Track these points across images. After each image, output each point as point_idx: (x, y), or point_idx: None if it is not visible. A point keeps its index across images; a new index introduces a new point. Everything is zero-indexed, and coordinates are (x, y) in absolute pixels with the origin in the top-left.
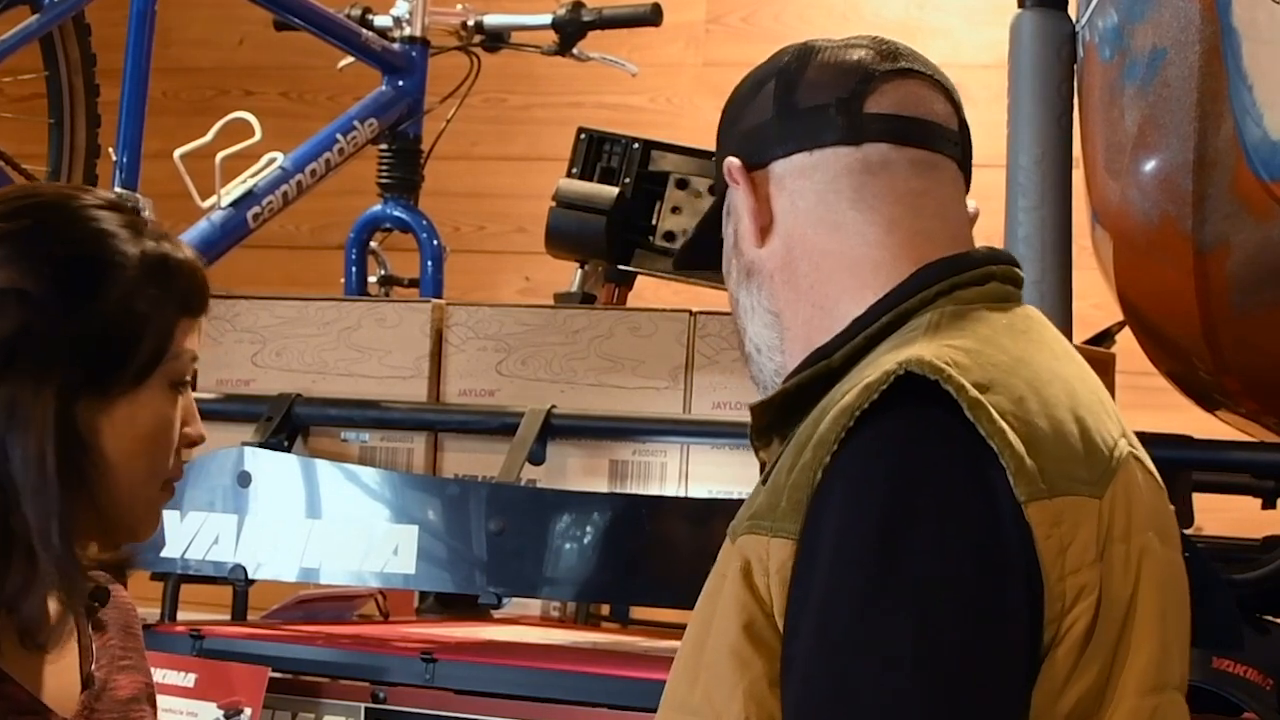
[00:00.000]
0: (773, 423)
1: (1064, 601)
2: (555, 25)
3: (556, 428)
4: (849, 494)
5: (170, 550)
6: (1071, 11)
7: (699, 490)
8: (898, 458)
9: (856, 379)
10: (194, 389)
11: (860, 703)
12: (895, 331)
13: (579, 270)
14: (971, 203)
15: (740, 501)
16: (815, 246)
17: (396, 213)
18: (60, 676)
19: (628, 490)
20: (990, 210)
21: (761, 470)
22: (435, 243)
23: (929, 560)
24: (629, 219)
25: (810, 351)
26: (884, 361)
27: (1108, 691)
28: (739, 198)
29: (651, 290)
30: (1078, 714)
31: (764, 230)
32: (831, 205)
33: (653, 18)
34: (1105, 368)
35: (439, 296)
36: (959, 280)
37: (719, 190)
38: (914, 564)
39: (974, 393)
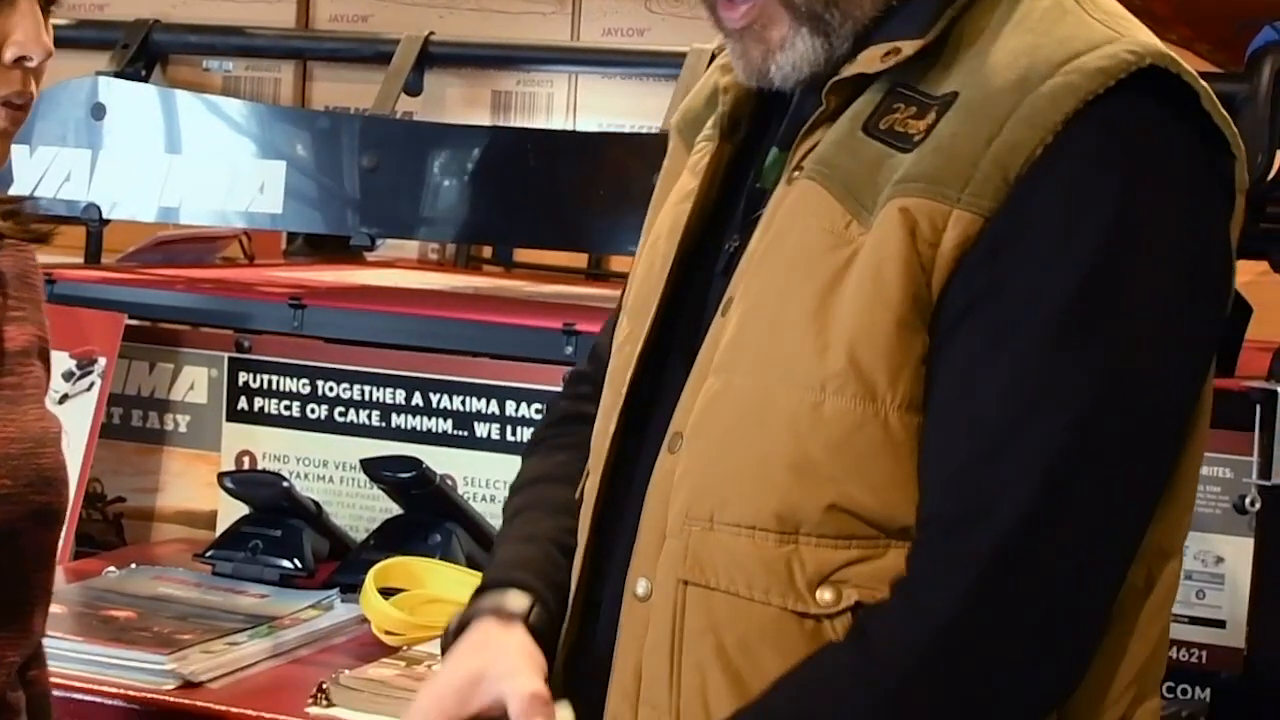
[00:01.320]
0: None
1: None
2: None
3: (434, 56)
4: (1080, 180)
5: (18, 187)
6: None
7: (588, 123)
8: (1138, 147)
9: (1038, 53)
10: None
11: (1050, 398)
12: None
13: None
14: None
15: (638, 135)
16: None
17: None
18: None
19: (511, 123)
20: None
21: (825, 112)
22: None
23: (1162, 258)
24: None
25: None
26: (1073, 39)
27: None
28: None
29: None
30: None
31: None
32: None
33: None
34: None
35: None
36: None
37: None
38: (1146, 260)
39: (1204, 83)
